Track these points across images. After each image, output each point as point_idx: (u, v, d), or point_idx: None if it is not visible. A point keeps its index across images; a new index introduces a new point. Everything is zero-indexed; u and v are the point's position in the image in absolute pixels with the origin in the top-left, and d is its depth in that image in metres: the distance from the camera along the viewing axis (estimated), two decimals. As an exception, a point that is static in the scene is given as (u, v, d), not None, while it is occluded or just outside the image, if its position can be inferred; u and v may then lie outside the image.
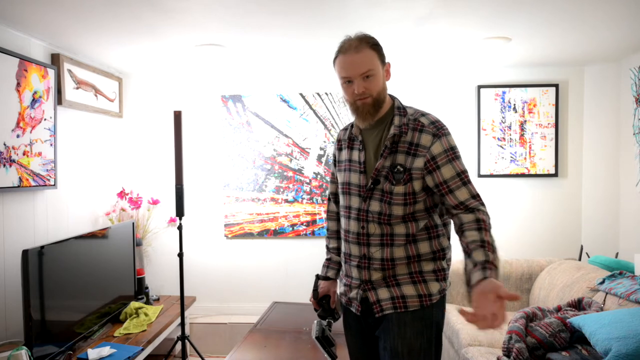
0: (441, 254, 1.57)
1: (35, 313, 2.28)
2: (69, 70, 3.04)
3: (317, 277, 1.79)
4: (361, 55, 1.48)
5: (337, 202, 1.81)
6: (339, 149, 1.71)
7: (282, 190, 3.82)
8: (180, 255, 3.03)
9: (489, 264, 1.34)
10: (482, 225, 1.42)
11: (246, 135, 3.81)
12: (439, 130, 1.51)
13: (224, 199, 3.83)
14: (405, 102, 1.68)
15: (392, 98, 1.61)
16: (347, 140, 1.67)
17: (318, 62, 3.47)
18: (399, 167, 1.51)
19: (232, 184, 3.83)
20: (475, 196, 1.49)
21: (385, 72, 1.56)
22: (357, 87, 1.49)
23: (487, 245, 1.38)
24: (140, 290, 3.45)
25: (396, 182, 1.51)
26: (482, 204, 1.49)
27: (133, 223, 3.35)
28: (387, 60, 1.57)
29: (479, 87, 3.73)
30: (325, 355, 1.66)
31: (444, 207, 1.53)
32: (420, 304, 1.52)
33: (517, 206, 3.79)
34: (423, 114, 1.56)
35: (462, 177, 1.49)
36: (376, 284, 1.55)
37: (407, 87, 3.75)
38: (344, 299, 1.68)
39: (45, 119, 2.77)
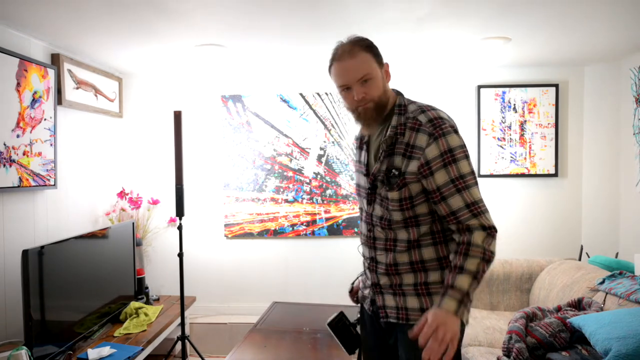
0: (448, 262, 1.44)
1: (35, 313, 2.28)
2: (69, 70, 3.04)
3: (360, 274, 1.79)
4: (356, 60, 1.41)
5: None
6: (356, 147, 1.67)
7: (282, 190, 3.82)
8: (180, 255, 3.03)
9: (452, 290, 1.32)
10: (462, 249, 1.35)
11: (246, 135, 3.81)
12: (436, 129, 1.37)
13: (224, 199, 3.83)
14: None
15: (397, 94, 1.53)
16: (359, 139, 1.63)
17: (318, 62, 3.47)
18: (394, 171, 1.42)
19: (232, 184, 3.83)
20: (470, 205, 1.36)
21: (385, 73, 1.48)
22: (357, 93, 1.42)
23: (457, 270, 1.33)
24: (140, 290, 3.44)
25: (390, 187, 1.43)
26: (477, 215, 1.36)
27: (133, 223, 3.35)
28: (385, 61, 1.49)
29: (479, 87, 3.73)
30: (339, 344, 1.66)
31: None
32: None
33: (517, 206, 3.79)
34: (423, 111, 1.43)
35: (457, 183, 1.36)
36: (384, 288, 1.53)
37: (407, 87, 3.75)
38: (360, 294, 1.68)
39: (45, 119, 2.77)
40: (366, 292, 1.62)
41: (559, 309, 2.46)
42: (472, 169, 1.40)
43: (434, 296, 1.45)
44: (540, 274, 3.11)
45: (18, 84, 2.54)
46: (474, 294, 1.39)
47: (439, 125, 1.38)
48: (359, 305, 1.73)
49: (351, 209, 3.81)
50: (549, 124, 3.73)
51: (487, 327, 2.76)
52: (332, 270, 3.82)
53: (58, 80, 2.90)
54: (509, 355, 2.22)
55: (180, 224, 3.01)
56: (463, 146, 1.39)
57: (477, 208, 1.37)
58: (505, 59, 3.48)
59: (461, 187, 1.36)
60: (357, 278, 1.78)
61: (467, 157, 1.39)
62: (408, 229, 1.46)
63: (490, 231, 1.37)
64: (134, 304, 3.18)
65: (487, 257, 1.35)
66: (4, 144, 2.45)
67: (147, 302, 3.41)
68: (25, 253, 2.22)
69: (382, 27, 2.66)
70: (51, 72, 2.82)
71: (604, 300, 2.39)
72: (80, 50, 3.06)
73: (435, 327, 1.27)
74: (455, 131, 1.40)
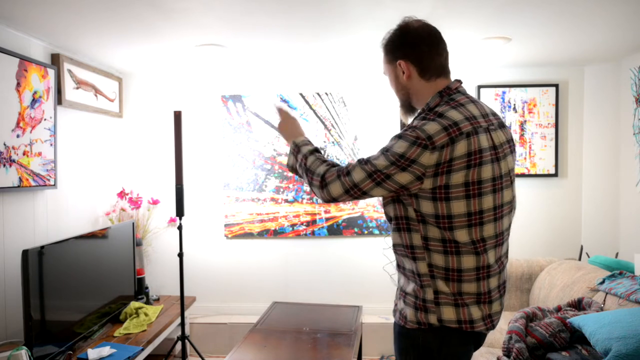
0: (419, 280, 1.35)
1: (35, 313, 2.28)
2: (69, 70, 3.04)
3: None
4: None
5: None
6: None
7: (282, 190, 3.82)
8: (180, 255, 3.03)
9: (303, 140, 1.58)
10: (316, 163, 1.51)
11: (246, 135, 3.81)
12: (400, 131, 1.34)
13: (224, 199, 3.83)
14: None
15: (441, 92, 1.43)
16: None
17: (318, 62, 3.46)
18: None
19: (232, 184, 3.83)
20: (351, 168, 1.37)
21: (400, 71, 1.43)
22: None
23: (314, 150, 1.55)
24: (140, 290, 3.44)
25: None
26: (346, 167, 1.38)
27: (133, 223, 3.35)
28: (400, 59, 1.43)
29: (479, 87, 3.73)
30: None
31: None
32: (398, 319, 1.42)
33: (517, 206, 3.78)
34: (425, 117, 1.33)
35: (364, 158, 1.35)
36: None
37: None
38: None
39: (45, 119, 2.77)
40: None
41: (559, 309, 2.46)
42: (385, 167, 1.29)
43: (407, 307, 1.38)
44: (540, 274, 3.11)
45: (18, 84, 2.54)
46: (297, 161, 1.60)
47: (403, 130, 1.33)
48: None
49: (351, 209, 3.81)
50: (549, 124, 3.73)
51: (487, 327, 2.76)
52: (332, 270, 3.82)
53: (58, 80, 2.90)
54: (509, 355, 2.22)
55: (180, 224, 3.01)
56: (402, 155, 1.27)
57: (345, 171, 1.38)
58: (505, 59, 3.48)
59: (362, 161, 1.36)
60: None
61: (396, 165, 1.28)
62: (393, 229, 1.45)
63: (341, 171, 1.39)
64: (134, 304, 3.18)
65: (310, 179, 1.51)
66: (4, 144, 2.45)
67: (147, 302, 3.41)
68: (25, 253, 2.22)
69: (382, 27, 2.66)
70: (51, 72, 2.82)
71: (604, 300, 2.39)
72: (80, 50, 3.06)
73: (280, 122, 1.66)
74: (415, 143, 1.26)
